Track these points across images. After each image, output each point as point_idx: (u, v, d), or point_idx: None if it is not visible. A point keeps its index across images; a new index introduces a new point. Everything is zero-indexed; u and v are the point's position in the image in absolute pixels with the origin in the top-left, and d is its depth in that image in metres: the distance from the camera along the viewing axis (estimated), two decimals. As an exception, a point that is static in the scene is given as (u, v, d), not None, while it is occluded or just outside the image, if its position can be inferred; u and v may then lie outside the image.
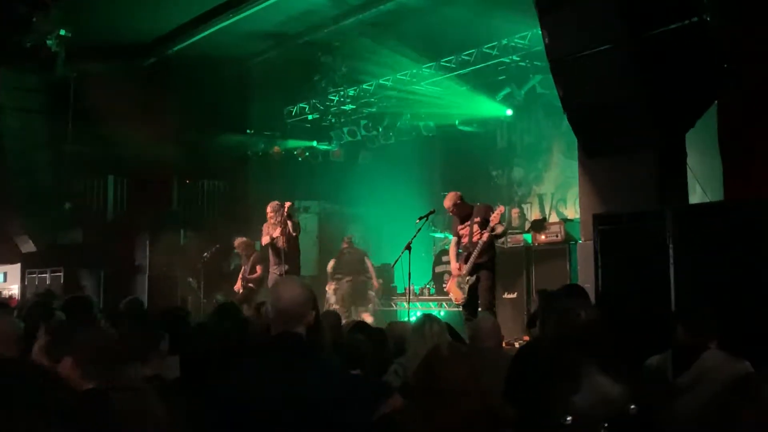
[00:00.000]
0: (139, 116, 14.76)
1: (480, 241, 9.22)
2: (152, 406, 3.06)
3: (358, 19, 14.03)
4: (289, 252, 11.48)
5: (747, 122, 7.01)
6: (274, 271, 11.53)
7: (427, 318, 5.50)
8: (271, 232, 11.59)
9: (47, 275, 14.65)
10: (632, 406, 3.43)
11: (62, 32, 12.74)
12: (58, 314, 4.81)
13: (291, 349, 3.40)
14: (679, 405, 4.19)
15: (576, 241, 10.15)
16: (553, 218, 13.84)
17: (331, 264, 14.15)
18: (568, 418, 3.36)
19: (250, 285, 12.73)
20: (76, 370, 3.05)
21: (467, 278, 9.32)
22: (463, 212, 9.62)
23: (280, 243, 11.38)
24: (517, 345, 9.84)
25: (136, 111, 14.81)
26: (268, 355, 3.47)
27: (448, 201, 9.65)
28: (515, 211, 14.19)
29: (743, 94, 6.88)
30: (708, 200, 7.58)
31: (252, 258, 12.95)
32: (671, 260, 6.16)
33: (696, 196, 8.16)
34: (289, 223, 11.54)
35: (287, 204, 11.69)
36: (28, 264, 15.33)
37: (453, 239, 9.98)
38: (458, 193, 9.78)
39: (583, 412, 3.37)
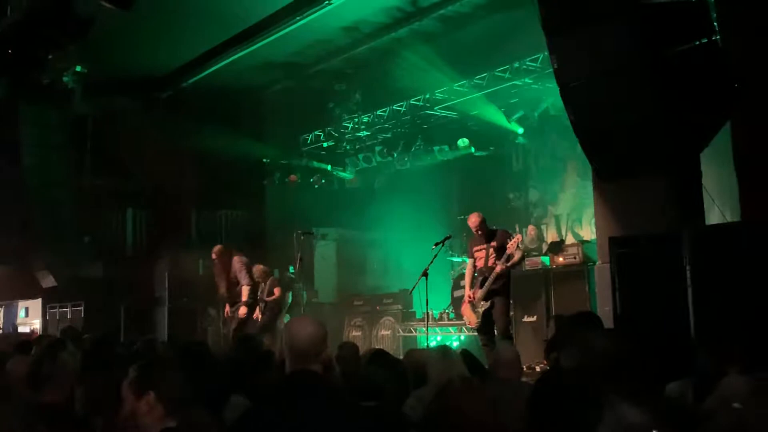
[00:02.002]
0: (156, 148, 14.91)
1: (495, 267, 9.26)
2: None
3: (371, 47, 14.14)
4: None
5: (762, 141, 6.97)
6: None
7: (447, 348, 5.47)
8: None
9: (68, 309, 14.74)
10: None
11: (78, 69, 12.91)
12: (63, 355, 4.82)
13: (307, 387, 3.40)
14: (701, 433, 4.14)
15: (594, 263, 10.11)
16: (570, 239, 13.78)
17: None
18: None
19: (267, 312, 12.72)
20: (159, 407, 3.10)
21: (481, 303, 9.34)
22: (485, 233, 9.63)
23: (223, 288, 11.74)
24: (538, 369, 9.79)
25: (153, 143, 14.97)
26: (284, 395, 3.47)
27: (476, 219, 9.63)
28: (532, 229, 14.16)
29: (756, 113, 6.85)
30: (725, 220, 7.52)
31: (269, 282, 12.95)
32: (689, 283, 6.13)
33: (714, 214, 8.12)
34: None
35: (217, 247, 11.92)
36: (50, 299, 15.43)
37: (469, 262, 9.97)
38: (480, 213, 9.82)
39: None
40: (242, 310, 11.65)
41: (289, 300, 13.20)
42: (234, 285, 11.87)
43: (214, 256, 11.91)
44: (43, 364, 4.47)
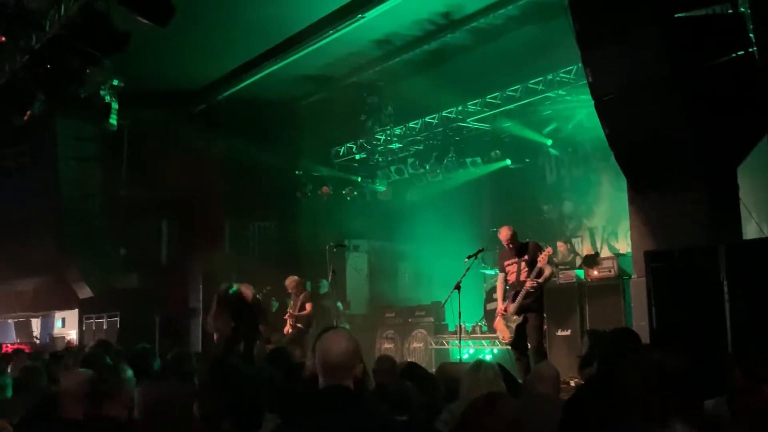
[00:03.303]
0: (191, 161, 15.06)
1: (527, 282, 9.17)
2: None
3: (403, 59, 14.17)
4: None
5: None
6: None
7: (481, 363, 5.43)
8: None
9: (104, 320, 14.90)
10: None
11: (115, 82, 13.09)
12: (123, 367, 4.84)
13: (340, 402, 3.40)
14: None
15: (630, 276, 9.99)
16: (605, 252, 13.64)
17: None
18: None
19: (299, 325, 12.79)
20: None
21: (514, 318, 9.25)
22: (516, 246, 9.53)
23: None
24: (572, 383, 9.69)
25: (188, 155, 15.13)
26: (317, 410, 3.47)
27: (507, 232, 9.53)
28: (562, 245, 14.00)
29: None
30: (763, 234, 7.42)
31: (302, 296, 13.03)
32: (726, 297, 6.05)
33: (752, 228, 8.00)
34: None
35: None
36: (86, 309, 15.60)
37: (500, 276, 9.88)
38: (512, 226, 9.71)
39: None
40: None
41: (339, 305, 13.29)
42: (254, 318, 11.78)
43: (218, 304, 11.79)
44: (106, 380, 4.51)
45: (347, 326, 13.80)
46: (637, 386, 3.58)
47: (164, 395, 3.29)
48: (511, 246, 9.55)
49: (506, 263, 9.64)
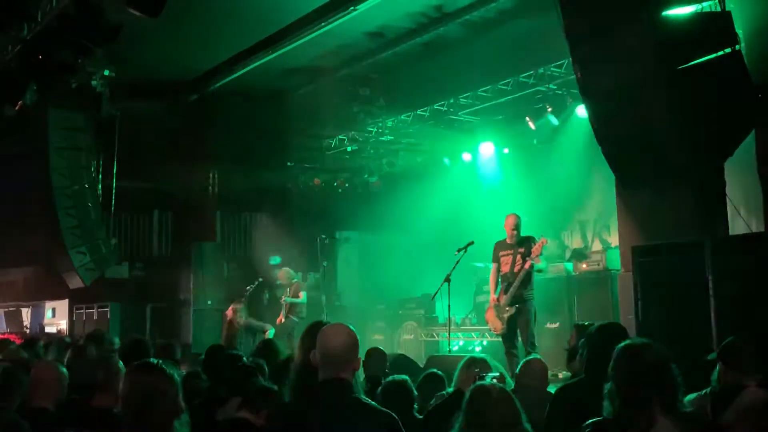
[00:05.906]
0: (183, 151, 15.06)
1: (521, 271, 9.17)
2: None
3: (395, 52, 14.19)
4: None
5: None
6: None
7: (474, 360, 5.52)
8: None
9: (94, 310, 14.90)
10: None
11: (106, 72, 13.08)
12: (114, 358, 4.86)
13: (338, 395, 3.45)
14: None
15: (618, 270, 10.06)
16: (596, 246, 13.70)
17: None
18: None
19: (291, 315, 12.87)
20: None
21: (507, 308, 9.25)
22: (518, 235, 9.51)
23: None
24: (560, 376, 9.77)
25: (180, 146, 15.13)
26: (316, 401, 3.52)
27: (514, 219, 9.51)
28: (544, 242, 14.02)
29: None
30: (750, 230, 7.49)
31: (294, 286, 13.15)
32: (711, 293, 6.12)
33: (739, 223, 8.08)
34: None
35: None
36: (76, 300, 15.60)
37: (493, 267, 9.85)
38: (518, 215, 9.69)
39: None
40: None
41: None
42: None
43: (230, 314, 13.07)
44: (100, 369, 4.55)
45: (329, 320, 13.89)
46: (622, 379, 3.65)
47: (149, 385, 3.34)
48: (515, 231, 9.50)
49: (501, 253, 9.61)
